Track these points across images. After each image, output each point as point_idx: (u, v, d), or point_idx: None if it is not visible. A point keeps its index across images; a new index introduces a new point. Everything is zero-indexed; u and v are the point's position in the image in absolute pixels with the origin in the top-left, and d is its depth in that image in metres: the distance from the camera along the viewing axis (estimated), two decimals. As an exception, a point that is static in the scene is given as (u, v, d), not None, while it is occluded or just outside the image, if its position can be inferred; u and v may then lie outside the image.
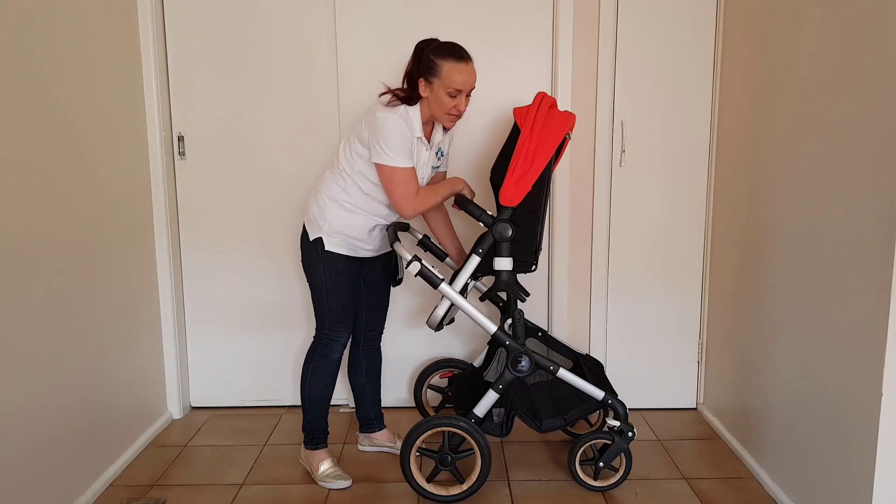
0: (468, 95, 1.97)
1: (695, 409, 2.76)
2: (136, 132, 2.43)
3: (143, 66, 2.47)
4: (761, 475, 2.17)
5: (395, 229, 2.14)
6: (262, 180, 2.65)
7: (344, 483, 2.17)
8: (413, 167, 1.96)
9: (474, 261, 2.02)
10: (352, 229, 2.05)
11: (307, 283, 2.18)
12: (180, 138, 2.62)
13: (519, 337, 2.06)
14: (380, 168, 1.96)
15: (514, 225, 1.99)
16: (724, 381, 2.50)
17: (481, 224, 2.01)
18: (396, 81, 2.41)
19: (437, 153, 2.13)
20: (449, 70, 1.91)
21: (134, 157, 2.42)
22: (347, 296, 2.11)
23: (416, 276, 1.96)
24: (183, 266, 2.71)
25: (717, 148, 2.55)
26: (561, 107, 2.56)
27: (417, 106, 1.99)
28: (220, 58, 2.57)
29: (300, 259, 2.15)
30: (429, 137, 2.08)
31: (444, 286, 1.98)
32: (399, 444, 2.39)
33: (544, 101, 1.99)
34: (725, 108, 2.47)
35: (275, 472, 2.28)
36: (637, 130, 2.57)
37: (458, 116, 2.00)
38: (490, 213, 2.01)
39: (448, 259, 2.36)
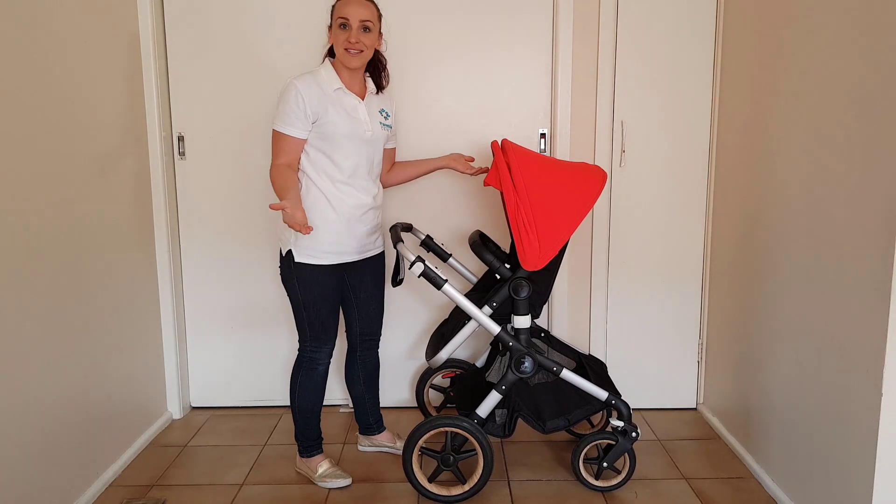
0: (366, 31, 1.96)
1: (695, 409, 2.76)
2: (136, 132, 2.43)
3: (143, 66, 2.46)
4: (761, 475, 2.16)
5: (399, 230, 2.13)
6: (262, 180, 2.64)
7: (344, 482, 2.17)
8: (293, 137, 1.93)
9: (487, 311, 2.03)
10: (322, 233, 1.98)
11: None
12: (180, 138, 2.61)
13: (522, 338, 2.06)
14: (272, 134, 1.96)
15: (531, 283, 1.99)
16: (725, 382, 2.50)
17: (497, 276, 2.02)
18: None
19: (381, 113, 2.10)
20: (338, 6, 1.97)
21: (134, 157, 2.41)
22: (326, 308, 2.05)
23: (419, 276, 1.94)
24: (183, 266, 2.70)
25: (717, 148, 2.55)
26: (562, 107, 2.55)
27: (328, 63, 2.02)
28: (220, 57, 2.56)
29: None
30: (362, 95, 2.05)
31: (447, 287, 1.98)
32: (399, 444, 2.38)
33: (508, 155, 1.94)
34: (725, 108, 2.47)
35: (275, 472, 2.27)
36: (637, 130, 2.57)
37: (359, 53, 1.96)
38: (507, 265, 2.04)
39: (451, 259, 2.36)
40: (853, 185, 1.66)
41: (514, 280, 2.01)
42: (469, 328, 2.06)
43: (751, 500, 2.08)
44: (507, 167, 1.93)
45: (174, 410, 2.69)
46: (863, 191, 1.62)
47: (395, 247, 2.05)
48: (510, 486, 2.17)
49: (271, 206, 1.75)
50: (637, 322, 2.70)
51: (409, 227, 2.29)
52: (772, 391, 2.11)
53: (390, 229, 2.13)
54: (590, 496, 2.11)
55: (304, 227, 1.79)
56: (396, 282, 2.17)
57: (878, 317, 1.55)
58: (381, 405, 2.46)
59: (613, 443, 2.10)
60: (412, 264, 1.94)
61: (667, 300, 2.68)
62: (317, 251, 2.00)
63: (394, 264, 2.18)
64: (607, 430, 2.13)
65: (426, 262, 1.95)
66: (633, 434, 2.08)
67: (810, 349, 1.87)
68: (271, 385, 2.80)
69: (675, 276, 2.66)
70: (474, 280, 2.37)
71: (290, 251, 2.00)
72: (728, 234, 2.45)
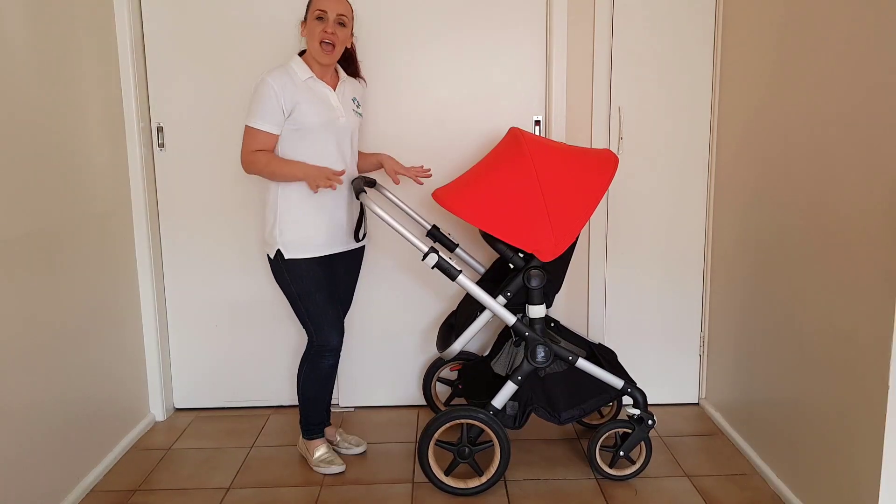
0: (342, 25, 2.02)
1: (697, 404, 2.74)
2: (113, 123, 2.38)
3: (119, 54, 2.41)
4: (765, 471, 2.15)
5: (361, 183, 2.13)
6: (244, 172, 2.56)
7: (337, 468, 2.21)
8: (268, 133, 1.99)
9: (501, 301, 2.03)
10: (305, 227, 2.05)
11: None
12: (159, 129, 2.56)
13: (537, 328, 2.05)
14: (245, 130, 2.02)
15: (545, 272, 2.00)
16: (727, 376, 2.48)
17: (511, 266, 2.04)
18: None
19: (353, 101, 2.16)
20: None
21: (111, 149, 2.36)
22: (322, 298, 2.10)
23: (432, 268, 1.98)
24: (164, 262, 2.65)
25: (719, 134, 2.52)
26: (556, 93, 2.51)
27: (297, 57, 2.07)
28: (199, 45, 2.51)
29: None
30: (334, 85, 2.11)
31: (462, 278, 1.99)
32: (345, 437, 2.37)
33: (522, 140, 1.96)
34: (727, 93, 2.44)
35: (262, 474, 2.24)
36: (635, 117, 2.54)
37: (332, 47, 2.02)
38: (521, 254, 2.04)
39: (458, 249, 2.37)
40: (857, 174, 1.65)
41: (528, 269, 2.01)
42: (483, 319, 2.07)
43: (755, 497, 2.06)
44: (528, 156, 1.95)
45: (157, 412, 2.65)
46: (867, 181, 1.61)
47: (357, 197, 2.07)
48: (507, 486, 2.15)
49: (337, 177, 1.91)
50: (637, 315, 2.67)
51: (372, 183, 2.29)
52: (775, 385, 2.09)
53: (352, 182, 2.15)
54: (588, 495, 2.08)
55: (335, 178, 1.92)
56: (359, 238, 2.20)
57: (885, 308, 1.54)
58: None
59: (630, 431, 2.11)
60: (425, 255, 1.97)
61: (667, 292, 2.65)
62: (304, 245, 2.07)
63: (356, 218, 2.20)
64: (623, 418, 2.14)
65: (440, 253, 1.98)
66: (650, 422, 2.10)
67: (814, 342, 1.86)
68: (258, 385, 2.75)
69: (676, 267, 2.64)
70: (482, 271, 2.38)
71: (278, 251, 2.06)
72: (730, 224, 2.43)
